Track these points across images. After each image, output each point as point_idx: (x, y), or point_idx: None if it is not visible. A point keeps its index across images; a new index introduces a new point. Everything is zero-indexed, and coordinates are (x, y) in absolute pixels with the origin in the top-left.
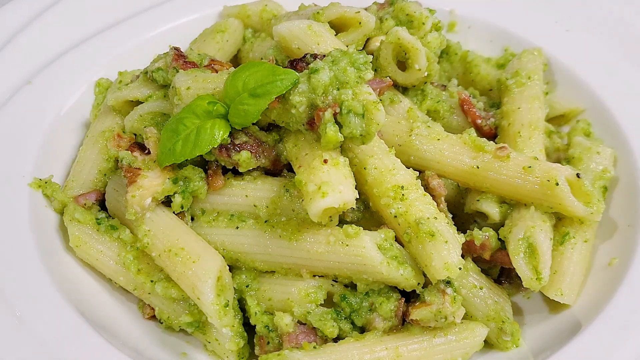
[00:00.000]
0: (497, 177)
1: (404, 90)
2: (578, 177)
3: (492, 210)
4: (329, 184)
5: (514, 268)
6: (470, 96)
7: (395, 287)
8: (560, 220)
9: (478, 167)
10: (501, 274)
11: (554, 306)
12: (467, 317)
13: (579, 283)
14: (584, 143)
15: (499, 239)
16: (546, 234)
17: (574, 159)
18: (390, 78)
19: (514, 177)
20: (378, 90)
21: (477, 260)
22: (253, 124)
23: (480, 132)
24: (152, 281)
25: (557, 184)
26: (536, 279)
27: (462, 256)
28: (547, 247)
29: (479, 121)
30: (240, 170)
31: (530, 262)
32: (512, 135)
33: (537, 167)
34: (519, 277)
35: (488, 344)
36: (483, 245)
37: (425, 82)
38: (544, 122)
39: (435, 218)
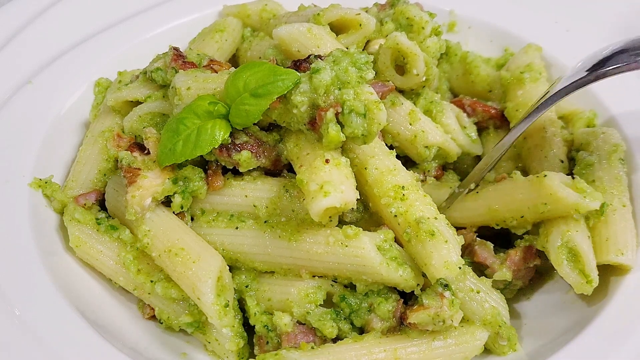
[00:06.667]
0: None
1: (400, 91)
2: (573, 177)
3: None
4: (331, 183)
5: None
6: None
7: (395, 288)
8: None
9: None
10: None
11: (554, 307)
12: (463, 320)
13: (634, 243)
14: (587, 130)
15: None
16: (583, 233)
17: (582, 145)
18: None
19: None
20: (381, 94)
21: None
22: (254, 124)
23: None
24: (152, 281)
25: (545, 176)
26: (587, 282)
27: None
28: (588, 246)
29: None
30: (240, 170)
31: (576, 266)
32: (536, 130)
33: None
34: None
35: (485, 349)
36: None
37: (424, 87)
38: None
39: (436, 218)
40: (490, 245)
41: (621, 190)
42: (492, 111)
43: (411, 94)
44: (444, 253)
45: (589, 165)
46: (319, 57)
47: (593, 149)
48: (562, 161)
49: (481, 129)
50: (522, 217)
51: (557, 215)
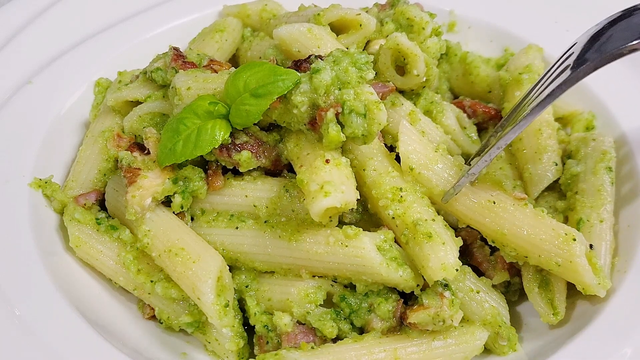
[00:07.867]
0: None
1: (400, 91)
2: (591, 247)
3: None
4: (332, 183)
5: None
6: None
7: (395, 289)
8: (571, 211)
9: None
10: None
11: None
12: (463, 320)
13: (608, 261)
14: (579, 136)
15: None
16: None
17: (572, 153)
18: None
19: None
20: (381, 94)
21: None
22: (254, 124)
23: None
24: (152, 281)
25: (575, 239)
26: (553, 313)
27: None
28: (562, 279)
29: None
30: (240, 170)
31: (547, 295)
32: (532, 132)
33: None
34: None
35: (485, 349)
36: None
37: (424, 87)
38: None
39: (433, 220)
40: (488, 249)
41: (601, 204)
42: (493, 112)
43: (411, 94)
44: (442, 255)
45: (574, 176)
46: (319, 57)
47: (581, 157)
48: (556, 164)
49: (481, 130)
50: (526, 257)
51: (559, 274)
